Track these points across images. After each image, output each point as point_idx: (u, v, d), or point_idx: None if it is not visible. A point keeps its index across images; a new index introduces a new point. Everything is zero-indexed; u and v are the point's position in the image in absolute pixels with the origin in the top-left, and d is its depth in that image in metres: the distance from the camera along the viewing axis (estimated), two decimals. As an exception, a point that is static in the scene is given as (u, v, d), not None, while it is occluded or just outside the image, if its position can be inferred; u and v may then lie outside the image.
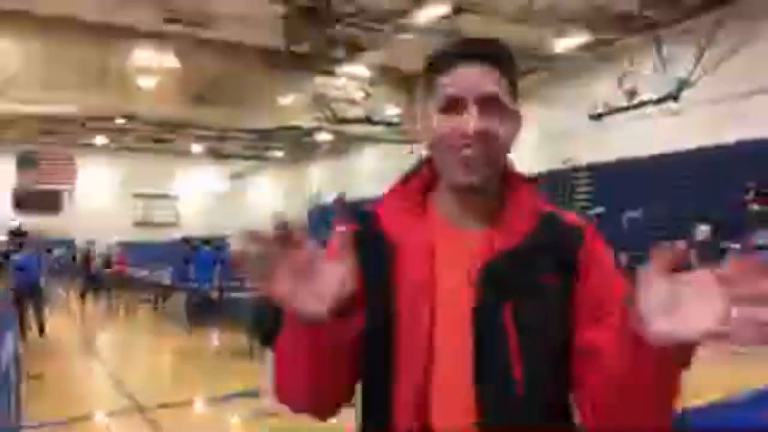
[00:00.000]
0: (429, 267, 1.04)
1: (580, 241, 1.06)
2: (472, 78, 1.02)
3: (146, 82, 18.12)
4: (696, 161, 14.54)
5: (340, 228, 1.07)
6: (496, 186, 1.10)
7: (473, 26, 15.76)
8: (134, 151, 29.63)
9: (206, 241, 15.69)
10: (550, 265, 1.03)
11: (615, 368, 0.90)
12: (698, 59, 14.26)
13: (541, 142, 18.22)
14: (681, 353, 0.82)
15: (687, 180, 14.39)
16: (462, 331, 1.01)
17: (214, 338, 10.66)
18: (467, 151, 1.01)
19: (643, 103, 15.62)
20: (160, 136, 27.51)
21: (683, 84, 14.54)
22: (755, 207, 12.74)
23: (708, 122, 14.61)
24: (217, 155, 31.47)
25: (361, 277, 1.04)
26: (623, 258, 10.09)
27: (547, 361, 1.01)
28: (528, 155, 17.72)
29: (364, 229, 1.11)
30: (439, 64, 1.06)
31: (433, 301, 1.03)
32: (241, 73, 18.41)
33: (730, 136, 14.00)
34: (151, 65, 17.27)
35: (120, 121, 23.75)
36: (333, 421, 1.14)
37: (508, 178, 1.12)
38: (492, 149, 1.03)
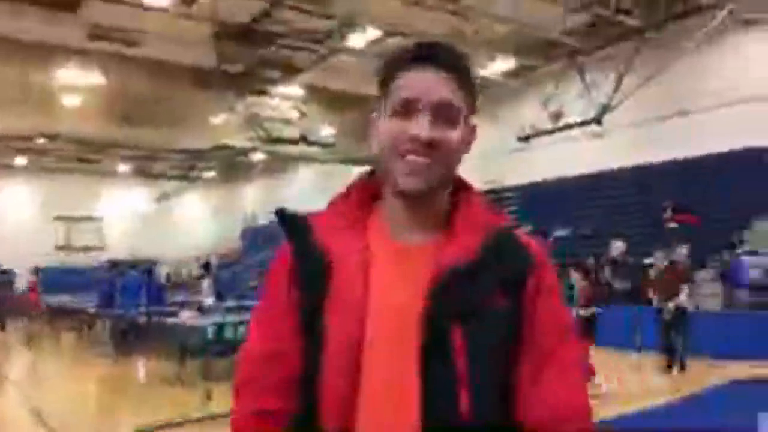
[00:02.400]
0: (362, 285, 1.00)
1: (531, 265, 1.01)
2: (427, 83, 0.99)
3: (70, 100, 17.44)
4: (618, 181, 15.25)
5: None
6: (444, 198, 1.05)
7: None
8: (56, 172, 28.36)
9: (133, 265, 15.13)
10: (500, 284, 0.99)
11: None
12: (618, 85, 15.01)
13: (471, 162, 18.67)
14: None
15: (610, 199, 15.06)
16: (403, 353, 0.96)
17: (142, 366, 10.25)
18: (415, 158, 0.98)
19: (568, 126, 16.27)
20: (84, 156, 26.47)
21: (605, 108, 15.26)
22: (672, 224, 13.44)
23: (628, 144, 15.39)
24: (145, 175, 30.55)
25: (297, 296, 1.05)
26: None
27: (494, 388, 0.97)
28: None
29: (300, 244, 1.07)
30: (395, 66, 1.02)
31: (364, 321, 0.98)
32: (171, 92, 18.01)
33: (648, 157, 14.80)
34: (76, 83, 16.65)
35: (41, 140, 22.72)
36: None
37: (458, 190, 1.08)
38: (441, 158, 0.99)
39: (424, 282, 0.97)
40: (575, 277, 7.80)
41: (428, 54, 1.00)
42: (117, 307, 11.69)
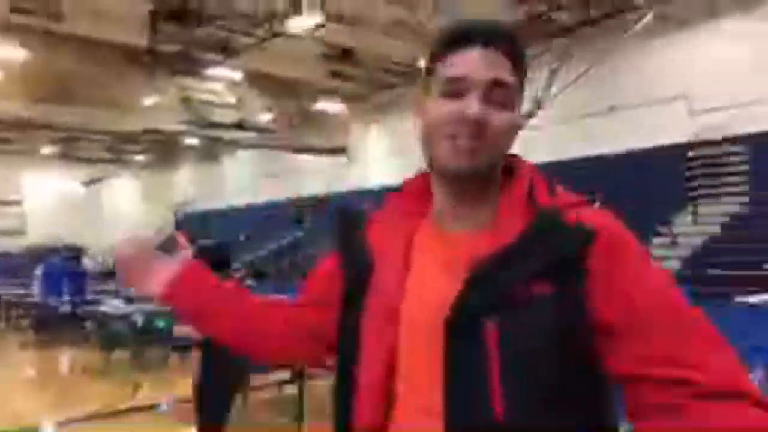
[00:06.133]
0: (397, 285, 0.96)
1: (588, 245, 0.87)
2: (479, 61, 0.92)
3: (-12, 76, 16.44)
4: (550, 175, 15.71)
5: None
6: (495, 183, 0.98)
7: (345, 37, 15.97)
8: (-26, 152, 26.79)
9: (57, 251, 14.49)
10: (543, 270, 0.86)
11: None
12: (551, 80, 15.44)
13: (402, 154, 18.86)
14: None
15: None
16: (433, 354, 0.89)
17: (65, 356, 9.85)
18: (463, 141, 0.91)
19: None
20: (4, 136, 25.06)
21: (539, 103, 15.65)
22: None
23: (560, 139, 15.90)
24: (71, 158, 29.22)
25: (342, 286, 1.05)
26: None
27: (535, 386, 0.84)
28: (392, 166, 18.31)
29: (347, 244, 1.07)
30: (445, 44, 0.96)
31: (397, 323, 0.94)
32: (100, 71, 17.25)
33: (579, 151, 15.37)
34: (-5, 57, 15.68)
35: (-44, 117, 21.34)
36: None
37: (509, 173, 1.00)
38: (490, 141, 0.92)
39: (461, 274, 0.90)
40: None
41: (479, 32, 0.94)
42: (40, 294, 11.19)
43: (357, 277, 1.01)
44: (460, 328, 0.87)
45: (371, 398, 0.94)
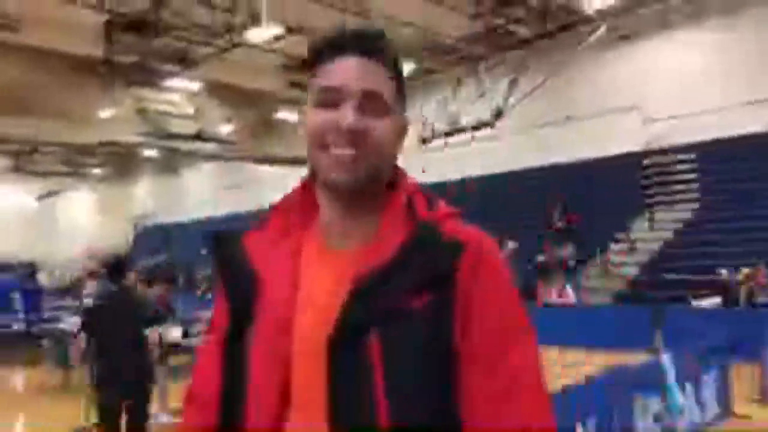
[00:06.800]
0: (287, 303, 0.93)
1: (458, 259, 0.89)
2: (353, 71, 0.91)
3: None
4: (511, 184, 15.97)
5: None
6: (378, 197, 0.96)
7: (305, 48, 15.97)
8: None
9: (12, 267, 14.05)
10: (421, 282, 0.88)
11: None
12: (510, 91, 15.72)
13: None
14: None
15: (504, 200, 15.72)
16: (321, 371, 0.88)
17: (18, 374, 9.54)
18: (340, 150, 0.90)
19: (463, 129, 16.84)
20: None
21: (499, 113, 15.91)
22: (560, 224, 14.25)
23: (517, 148, 16.18)
24: (25, 172, 28.39)
25: (227, 306, 1.00)
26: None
27: (422, 395, 0.87)
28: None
29: (228, 270, 1.02)
30: (320, 54, 0.95)
31: (290, 339, 0.91)
32: (56, 82, 16.85)
33: (538, 160, 15.66)
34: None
35: None
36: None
37: (393, 188, 0.98)
38: (368, 150, 0.91)
39: (349, 288, 0.89)
40: None
41: (353, 40, 0.93)
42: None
43: (243, 298, 0.97)
44: (343, 344, 0.87)
45: (265, 419, 0.91)
